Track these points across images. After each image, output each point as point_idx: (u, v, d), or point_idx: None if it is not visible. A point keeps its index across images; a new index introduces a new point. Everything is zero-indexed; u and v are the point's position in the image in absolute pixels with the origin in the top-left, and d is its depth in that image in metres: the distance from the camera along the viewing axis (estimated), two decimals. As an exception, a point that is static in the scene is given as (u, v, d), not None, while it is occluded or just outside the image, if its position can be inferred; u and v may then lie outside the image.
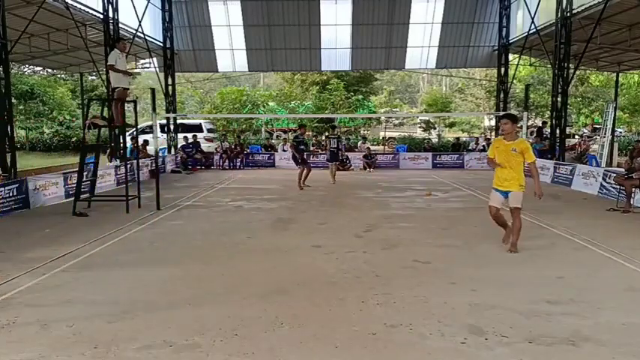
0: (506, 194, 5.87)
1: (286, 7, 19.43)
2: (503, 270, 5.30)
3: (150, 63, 19.08)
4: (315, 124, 25.75)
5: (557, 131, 15.00)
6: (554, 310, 4.09)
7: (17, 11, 12.09)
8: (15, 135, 12.28)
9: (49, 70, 25.58)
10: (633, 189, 8.75)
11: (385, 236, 6.98)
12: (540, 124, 19.86)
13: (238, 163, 18.47)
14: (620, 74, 22.42)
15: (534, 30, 15.75)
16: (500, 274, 5.16)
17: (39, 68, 25.53)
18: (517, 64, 19.88)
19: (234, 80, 31.67)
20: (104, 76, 13.68)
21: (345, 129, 28.13)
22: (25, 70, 26.82)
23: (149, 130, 17.75)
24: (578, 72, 17.41)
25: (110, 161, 14.04)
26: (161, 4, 18.74)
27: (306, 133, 11.45)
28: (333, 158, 13.65)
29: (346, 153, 18.39)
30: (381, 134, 29.19)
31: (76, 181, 9.56)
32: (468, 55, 20.64)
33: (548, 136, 16.23)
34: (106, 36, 13.99)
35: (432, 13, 19.68)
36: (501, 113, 19.56)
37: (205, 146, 19.41)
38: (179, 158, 17.68)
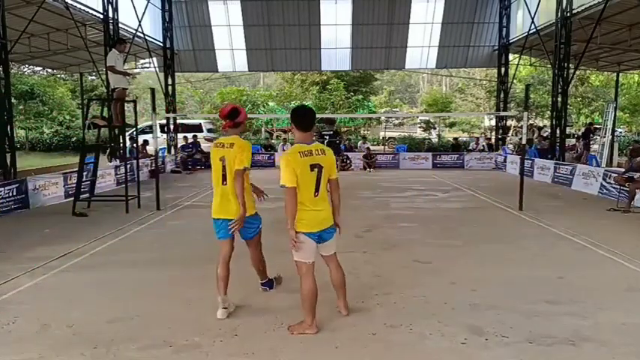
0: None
1: (286, 7, 19.42)
2: (503, 270, 5.30)
3: (150, 63, 19.08)
4: (315, 124, 25.80)
5: (558, 131, 15.02)
6: (554, 310, 4.08)
7: (17, 11, 12.08)
8: (15, 135, 12.26)
9: (49, 70, 25.59)
10: (637, 190, 8.72)
11: (385, 236, 6.97)
12: (539, 124, 19.96)
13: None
14: (621, 74, 22.42)
15: (534, 30, 15.74)
16: (500, 274, 5.15)
17: (39, 68, 25.55)
18: (517, 64, 19.87)
19: (234, 80, 31.65)
20: (104, 76, 13.68)
21: (345, 129, 28.10)
22: (24, 70, 26.81)
23: (149, 130, 17.74)
24: (578, 72, 17.42)
25: (110, 161, 14.03)
26: (161, 4, 18.74)
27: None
28: None
29: (346, 153, 18.39)
30: (381, 134, 29.17)
31: (75, 181, 9.57)
32: (468, 55, 20.63)
33: (549, 136, 16.29)
34: (105, 36, 13.99)
35: (432, 13, 19.67)
36: (502, 113, 19.74)
37: (205, 146, 19.40)
38: (179, 158, 17.67)
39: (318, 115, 26.01)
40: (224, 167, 4.01)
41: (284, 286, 4.76)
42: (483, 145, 20.65)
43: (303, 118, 3.64)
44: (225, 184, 4.06)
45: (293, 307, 4.15)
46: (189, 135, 18.48)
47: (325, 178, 3.60)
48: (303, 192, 3.53)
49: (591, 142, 17.57)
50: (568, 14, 14.01)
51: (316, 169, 3.54)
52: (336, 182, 3.70)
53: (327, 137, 15.40)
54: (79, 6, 13.15)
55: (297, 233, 3.54)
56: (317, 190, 3.56)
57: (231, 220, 4.08)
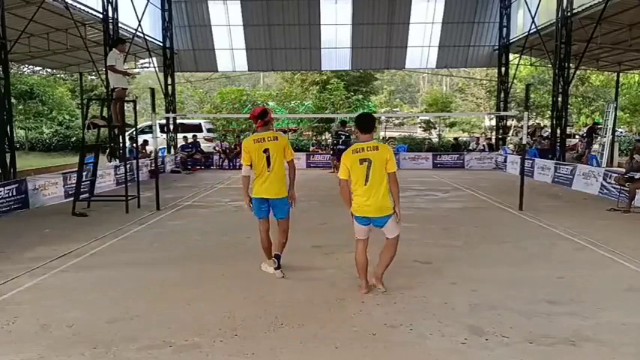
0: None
1: (286, 7, 19.42)
2: (503, 270, 5.30)
3: (149, 63, 19.07)
4: (315, 124, 25.73)
5: (558, 131, 15.01)
6: (554, 310, 4.08)
7: (17, 11, 12.07)
8: (14, 135, 12.26)
9: (49, 70, 25.57)
10: (637, 191, 8.70)
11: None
12: (541, 124, 19.94)
13: (238, 163, 18.47)
14: (621, 74, 22.41)
15: (535, 30, 15.73)
16: (500, 274, 5.15)
17: (38, 68, 25.52)
18: (517, 64, 19.84)
19: (234, 80, 31.63)
20: (103, 76, 13.68)
21: (346, 128, 28.03)
22: (24, 70, 26.80)
23: (148, 130, 17.73)
24: (578, 72, 17.41)
25: (109, 161, 14.03)
26: (161, 4, 18.72)
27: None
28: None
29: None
30: (382, 134, 29.13)
31: (75, 181, 9.56)
32: (468, 54, 20.61)
33: (549, 136, 16.29)
34: (105, 36, 13.98)
35: (432, 13, 19.67)
36: (502, 113, 19.74)
37: (205, 146, 19.40)
38: (179, 158, 17.67)
39: (318, 115, 25.92)
40: (268, 157, 4.82)
41: (283, 287, 4.76)
42: (484, 145, 20.63)
43: (361, 122, 4.42)
44: (270, 171, 4.84)
45: (293, 308, 4.15)
46: (189, 135, 18.49)
47: (377, 171, 4.27)
48: (355, 182, 4.33)
49: (593, 142, 17.58)
50: (568, 14, 14.00)
51: (366, 163, 4.26)
52: (393, 175, 4.36)
53: (343, 137, 15.74)
54: (78, 6, 13.13)
55: (353, 214, 4.38)
56: (366, 180, 4.25)
57: (270, 199, 4.94)
